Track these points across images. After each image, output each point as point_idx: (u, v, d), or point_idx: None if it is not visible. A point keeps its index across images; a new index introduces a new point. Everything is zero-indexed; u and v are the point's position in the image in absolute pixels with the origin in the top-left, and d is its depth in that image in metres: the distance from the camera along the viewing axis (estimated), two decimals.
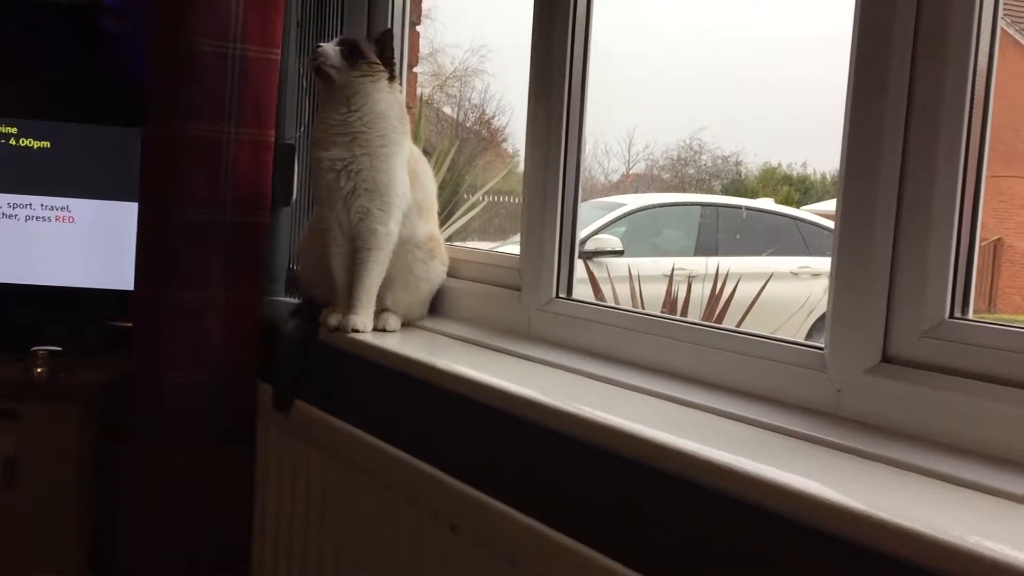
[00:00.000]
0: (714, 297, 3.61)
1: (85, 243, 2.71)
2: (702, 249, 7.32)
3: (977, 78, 1.07)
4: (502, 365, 1.55)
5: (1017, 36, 14.94)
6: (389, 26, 2.18)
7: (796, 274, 7.08)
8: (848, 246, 1.16)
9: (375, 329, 1.83)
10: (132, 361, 2.04)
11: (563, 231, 1.72)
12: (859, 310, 1.15)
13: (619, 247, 7.00)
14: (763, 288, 4.23)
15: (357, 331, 1.78)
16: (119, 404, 2.23)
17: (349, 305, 1.81)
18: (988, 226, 15.57)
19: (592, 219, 7.18)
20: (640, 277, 6.92)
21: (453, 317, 1.94)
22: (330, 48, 1.76)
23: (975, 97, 1.08)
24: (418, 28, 2.40)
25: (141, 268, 2.01)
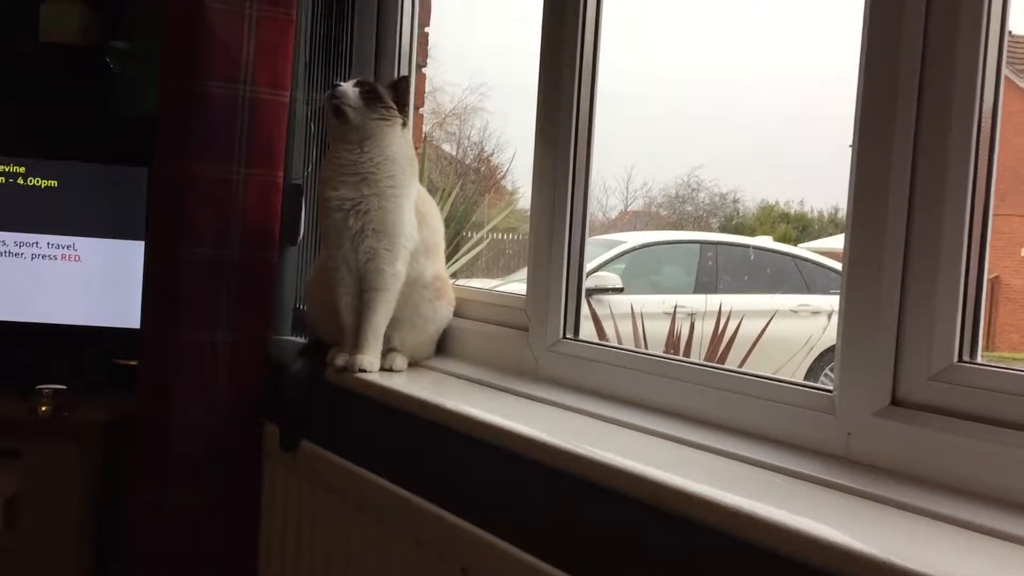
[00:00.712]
0: (717, 336, 3.62)
1: (91, 281, 2.72)
2: (701, 287, 7.34)
3: (983, 121, 1.08)
4: (510, 406, 1.55)
5: (1013, 78, 15.05)
6: (396, 69, 2.21)
7: (796, 312, 7.09)
8: (856, 289, 1.17)
9: (382, 369, 1.83)
10: (137, 400, 2.04)
11: (570, 272, 1.74)
12: (868, 353, 1.15)
13: (619, 284, 7.02)
14: (766, 327, 4.24)
15: (364, 371, 1.79)
16: (123, 443, 2.23)
17: (356, 345, 1.82)
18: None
19: (592, 256, 7.22)
20: (642, 315, 6.97)
21: (460, 357, 1.94)
22: (349, 88, 1.79)
23: (980, 141, 1.09)
24: (424, 70, 2.43)
25: (147, 307, 2.02)
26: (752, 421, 1.31)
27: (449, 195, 3.85)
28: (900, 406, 1.13)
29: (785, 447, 1.24)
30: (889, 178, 1.13)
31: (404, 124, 1.84)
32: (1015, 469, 1.00)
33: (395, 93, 1.83)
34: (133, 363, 2.33)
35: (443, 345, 1.97)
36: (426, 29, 2.43)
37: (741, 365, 3.38)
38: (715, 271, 7.90)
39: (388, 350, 1.86)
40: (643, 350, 1.57)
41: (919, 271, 1.12)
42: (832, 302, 7.11)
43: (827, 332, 6.89)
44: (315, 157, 2.24)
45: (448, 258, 2.15)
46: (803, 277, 7.60)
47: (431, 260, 1.90)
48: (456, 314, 1.96)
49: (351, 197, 1.80)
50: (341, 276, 1.83)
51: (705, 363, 1.47)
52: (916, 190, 1.12)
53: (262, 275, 2.02)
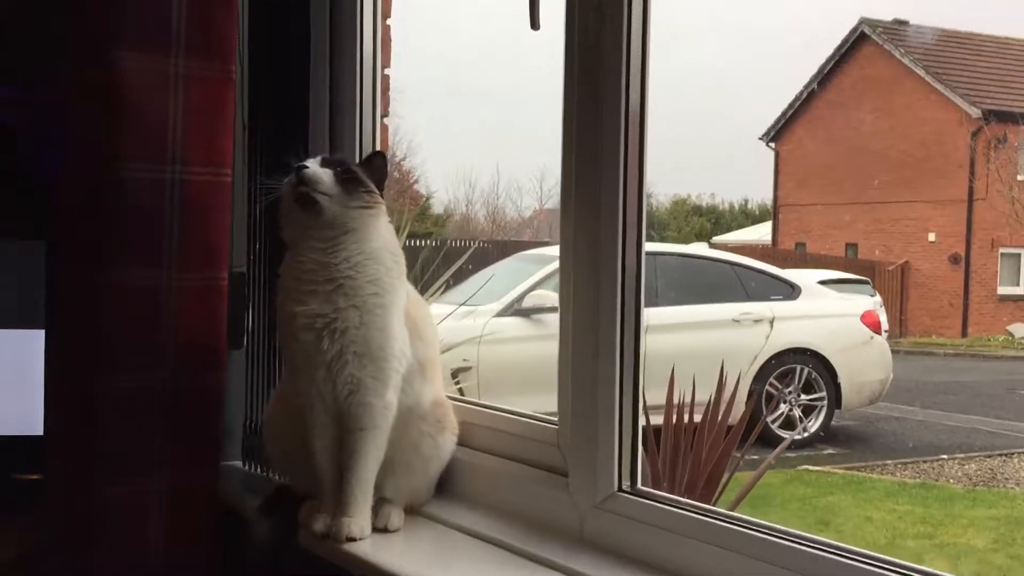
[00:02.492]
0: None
1: None
2: (648, 299, 7.06)
3: None
4: None
5: (913, 67, 15.32)
6: (358, 121, 1.79)
7: (738, 321, 6.90)
8: None
9: (374, 530, 1.42)
10: None
11: (623, 395, 1.34)
12: None
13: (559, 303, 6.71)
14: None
15: (353, 539, 1.38)
16: None
17: (340, 503, 1.41)
18: (895, 251, 15.92)
19: (526, 274, 6.89)
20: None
21: (467, 499, 1.54)
22: (319, 170, 1.37)
23: None
24: (386, 120, 2.00)
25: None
26: None
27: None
28: None
29: None
30: None
31: (384, 211, 1.43)
32: None
33: (370, 171, 1.42)
34: (36, 477, 1.93)
35: (443, 479, 1.56)
36: (386, 71, 2.00)
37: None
38: (654, 282, 7.60)
39: (380, 500, 1.46)
40: (745, 518, 1.20)
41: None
42: (773, 308, 6.96)
43: (770, 339, 6.72)
44: (261, 238, 1.80)
45: None
46: (743, 284, 7.40)
47: (428, 382, 1.49)
48: (460, 441, 1.55)
49: (324, 312, 1.38)
50: (315, 415, 1.42)
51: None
52: None
53: (206, 405, 1.58)
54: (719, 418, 2.76)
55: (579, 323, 1.38)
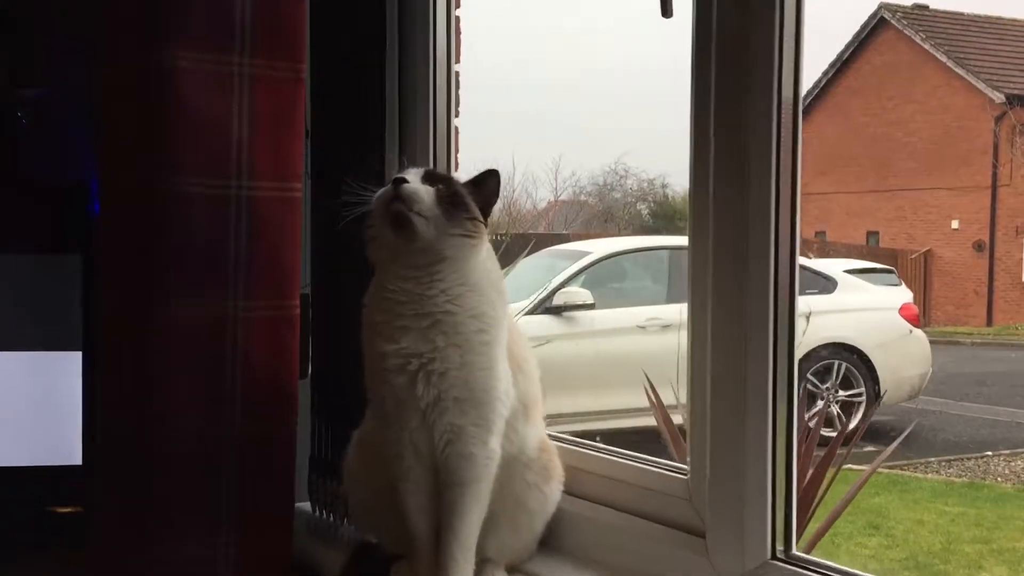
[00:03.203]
0: None
1: (9, 407, 2.05)
2: (675, 296, 6.87)
3: None
4: None
5: (933, 52, 15.05)
6: (432, 123, 1.60)
7: None
8: None
9: None
10: None
11: (775, 442, 1.14)
12: None
13: (590, 300, 6.53)
14: None
15: None
16: None
17: (439, 568, 1.21)
18: (917, 239, 15.68)
19: (556, 269, 6.71)
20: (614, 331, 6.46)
21: (572, 555, 1.35)
22: (420, 186, 1.18)
23: None
24: (457, 122, 1.81)
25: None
26: None
27: None
28: None
29: None
30: None
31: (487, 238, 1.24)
32: None
33: (479, 193, 1.23)
34: (71, 509, 1.88)
35: (547, 530, 1.37)
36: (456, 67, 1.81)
37: None
38: (679, 279, 7.40)
39: (481, 561, 1.27)
40: None
41: None
42: (809, 302, 6.75)
43: (806, 335, 6.53)
44: (330, 254, 1.60)
45: None
46: None
47: (532, 424, 1.31)
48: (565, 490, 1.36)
49: (419, 352, 1.19)
50: (407, 467, 1.23)
51: None
52: None
53: (278, 454, 1.39)
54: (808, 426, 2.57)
55: (719, 355, 1.18)
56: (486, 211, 1.23)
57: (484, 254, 1.24)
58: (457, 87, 1.74)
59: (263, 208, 1.32)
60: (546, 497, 1.31)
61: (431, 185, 1.19)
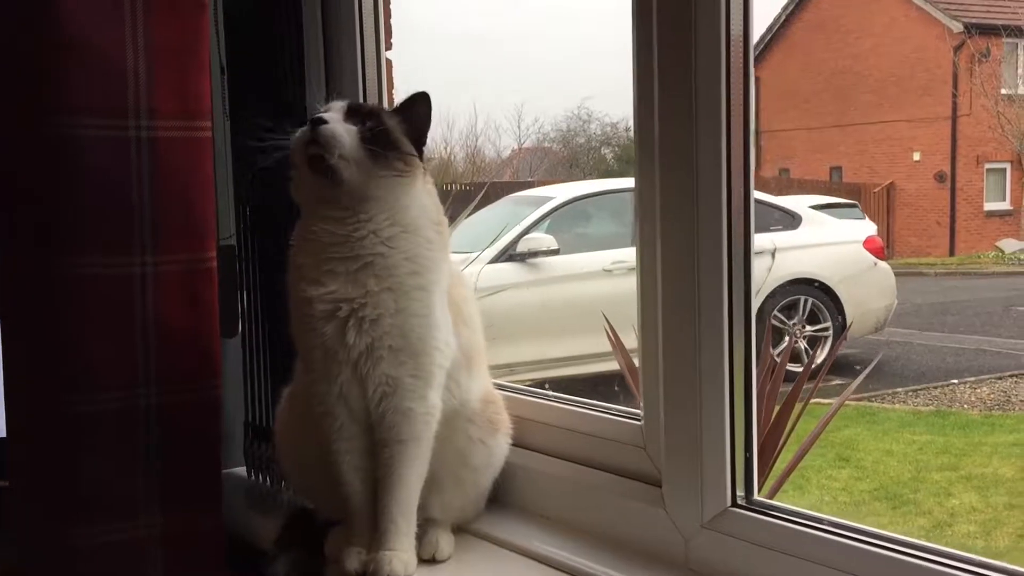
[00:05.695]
0: None
1: None
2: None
3: None
4: None
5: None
6: (360, 56, 1.48)
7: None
8: None
9: (420, 560, 1.14)
10: None
11: (733, 382, 1.05)
12: None
13: (555, 246, 6.44)
14: None
15: None
16: None
17: (377, 533, 1.13)
18: (880, 172, 15.70)
19: (519, 216, 6.59)
20: (581, 276, 6.38)
21: (523, 511, 1.27)
22: (340, 126, 1.06)
23: None
24: (389, 55, 1.68)
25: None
26: None
27: None
28: None
29: None
30: None
31: (425, 171, 1.12)
32: None
33: (409, 123, 1.11)
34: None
35: (494, 486, 1.28)
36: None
37: None
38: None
39: (424, 522, 1.18)
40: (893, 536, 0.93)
41: None
42: (774, 239, 6.71)
43: (772, 272, 6.50)
44: (254, 200, 1.48)
45: None
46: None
47: (475, 376, 1.21)
48: (513, 441, 1.27)
49: (349, 296, 1.09)
50: (339, 426, 1.14)
51: None
52: None
53: (202, 424, 1.28)
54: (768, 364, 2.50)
55: (672, 294, 1.08)
56: (420, 142, 1.12)
57: (419, 189, 1.13)
58: (388, 16, 1.61)
59: (167, 150, 1.20)
60: (491, 452, 1.22)
61: (355, 122, 1.08)
